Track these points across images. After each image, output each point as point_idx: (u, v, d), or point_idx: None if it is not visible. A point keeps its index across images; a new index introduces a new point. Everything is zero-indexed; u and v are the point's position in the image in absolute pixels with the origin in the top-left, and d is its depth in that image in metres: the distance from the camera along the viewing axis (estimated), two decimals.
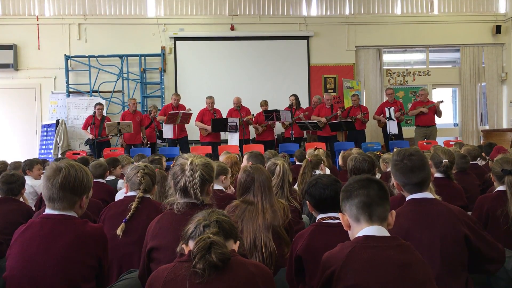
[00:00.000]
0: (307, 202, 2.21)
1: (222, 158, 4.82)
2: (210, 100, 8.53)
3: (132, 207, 2.40)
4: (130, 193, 2.57)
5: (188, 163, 2.02)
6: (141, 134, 8.51)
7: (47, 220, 1.85)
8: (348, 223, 1.63)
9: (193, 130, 8.74)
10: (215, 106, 8.62)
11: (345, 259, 1.53)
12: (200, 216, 1.53)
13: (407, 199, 2.07)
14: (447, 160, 3.08)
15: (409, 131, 9.50)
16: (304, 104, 9.48)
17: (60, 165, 1.85)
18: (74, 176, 1.84)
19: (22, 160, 4.91)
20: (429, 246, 1.93)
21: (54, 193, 1.82)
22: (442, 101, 8.81)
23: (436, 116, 8.79)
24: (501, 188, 2.74)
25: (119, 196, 3.52)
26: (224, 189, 3.14)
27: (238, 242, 1.53)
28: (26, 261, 1.78)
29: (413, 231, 1.95)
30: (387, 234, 1.59)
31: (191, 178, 1.99)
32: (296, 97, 8.85)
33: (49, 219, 1.84)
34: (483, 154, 5.04)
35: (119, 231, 2.28)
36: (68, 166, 1.85)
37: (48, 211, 1.87)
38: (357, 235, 1.59)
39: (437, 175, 3.11)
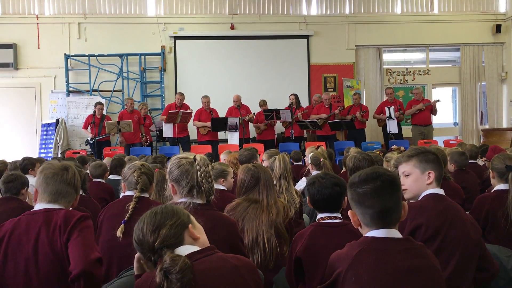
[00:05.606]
0: (307, 197, 2.22)
1: (223, 157, 4.81)
2: (206, 99, 8.51)
3: (130, 207, 2.36)
4: (128, 193, 2.57)
5: (194, 159, 2.01)
6: (140, 133, 8.49)
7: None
8: (359, 222, 1.56)
9: (190, 130, 8.71)
10: (214, 105, 8.61)
11: (351, 262, 1.48)
12: None
13: (425, 193, 2.03)
14: None
15: (409, 130, 9.48)
16: (304, 103, 9.47)
17: (66, 164, 2.02)
18: (78, 175, 2.03)
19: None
20: (451, 245, 1.90)
21: (63, 188, 1.94)
22: (438, 100, 8.83)
23: (432, 115, 8.80)
24: (501, 187, 2.64)
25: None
26: (226, 189, 3.12)
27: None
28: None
29: (441, 229, 1.91)
30: (398, 235, 1.51)
31: (204, 173, 1.98)
32: (296, 96, 8.84)
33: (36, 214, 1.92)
34: (479, 156, 5.00)
35: (119, 233, 2.25)
36: (74, 166, 2.05)
37: (43, 205, 1.93)
38: (365, 235, 1.53)
39: None
